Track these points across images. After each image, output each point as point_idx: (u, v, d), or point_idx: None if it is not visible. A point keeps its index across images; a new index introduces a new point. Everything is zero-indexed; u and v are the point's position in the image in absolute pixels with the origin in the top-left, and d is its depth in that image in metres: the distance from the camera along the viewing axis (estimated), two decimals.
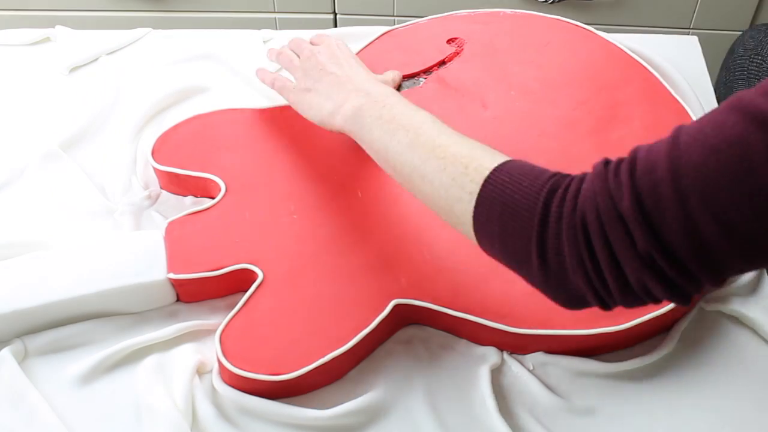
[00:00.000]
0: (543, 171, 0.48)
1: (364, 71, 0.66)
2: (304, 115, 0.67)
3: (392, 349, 0.62)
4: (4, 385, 0.58)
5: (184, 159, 0.70)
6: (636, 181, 0.42)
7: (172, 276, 0.62)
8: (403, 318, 0.62)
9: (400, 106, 0.59)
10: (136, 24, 0.89)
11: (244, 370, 0.57)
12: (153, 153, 0.70)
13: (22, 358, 0.61)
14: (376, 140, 0.58)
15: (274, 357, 0.57)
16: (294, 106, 0.69)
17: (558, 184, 0.46)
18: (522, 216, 0.46)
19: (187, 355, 0.60)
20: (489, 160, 0.50)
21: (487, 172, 0.49)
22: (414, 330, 0.63)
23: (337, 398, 0.59)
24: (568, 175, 0.47)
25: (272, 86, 0.72)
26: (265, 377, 0.56)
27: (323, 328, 0.59)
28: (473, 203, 0.49)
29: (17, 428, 0.57)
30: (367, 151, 0.60)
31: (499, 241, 0.48)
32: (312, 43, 0.71)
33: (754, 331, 0.63)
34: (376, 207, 0.66)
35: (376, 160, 0.60)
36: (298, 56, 0.71)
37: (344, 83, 0.64)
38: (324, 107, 0.64)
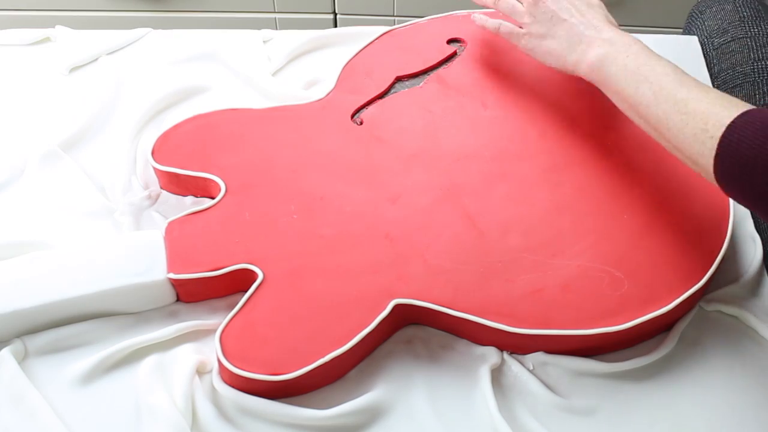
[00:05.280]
0: None
1: (601, 15, 0.68)
2: (542, 60, 0.71)
3: (392, 349, 0.62)
4: (4, 385, 0.58)
5: (184, 159, 0.70)
6: None
7: (172, 276, 0.62)
8: (403, 318, 0.62)
9: (642, 55, 0.62)
10: (136, 24, 0.89)
11: (244, 370, 0.57)
12: (153, 153, 0.70)
13: (22, 358, 0.61)
14: (621, 90, 0.62)
15: (274, 357, 0.57)
16: (529, 52, 0.72)
17: None
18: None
19: (187, 355, 0.60)
20: (726, 114, 0.53)
21: (723, 129, 0.52)
22: (414, 330, 0.63)
23: (337, 398, 0.59)
24: None
25: (497, 31, 0.74)
26: (265, 377, 0.57)
27: (323, 328, 0.59)
28: (713, 158, 0.53)
29: (17, 428, 0.57)
30: (612, 99, 0.65)
31: (750, 193, 0.52)
32: None
33: (755, 331, 0.63)
34: (376, 206, 0.66)
35: (621, 108, 0.64)
36: (521, 2, 0.72)
37: (584, 31, 0.66)
38: (566, 54, 0.68)
